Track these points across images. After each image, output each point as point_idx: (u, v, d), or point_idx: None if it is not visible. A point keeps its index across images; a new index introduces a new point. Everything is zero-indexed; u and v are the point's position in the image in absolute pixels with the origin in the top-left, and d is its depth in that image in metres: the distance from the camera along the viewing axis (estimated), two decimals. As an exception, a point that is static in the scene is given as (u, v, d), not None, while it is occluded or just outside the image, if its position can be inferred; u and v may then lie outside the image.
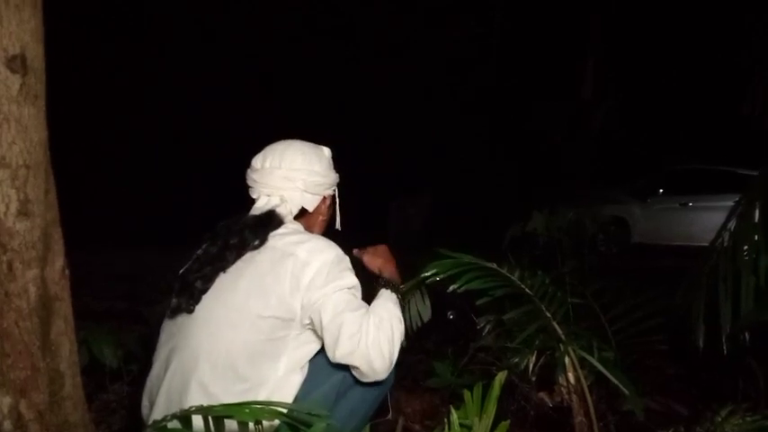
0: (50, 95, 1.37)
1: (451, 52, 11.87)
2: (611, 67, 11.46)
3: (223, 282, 1.41)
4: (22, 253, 1.30)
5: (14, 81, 1.26)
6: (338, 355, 1.38)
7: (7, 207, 1.28)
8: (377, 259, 1.68)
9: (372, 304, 1.52)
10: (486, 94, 12.17)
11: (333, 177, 1.61)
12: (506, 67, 12.34)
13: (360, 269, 1.60)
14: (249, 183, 1.57)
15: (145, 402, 1.46)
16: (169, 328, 1.45)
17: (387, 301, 1.53)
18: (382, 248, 1.72)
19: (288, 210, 1.52)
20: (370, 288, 1.59)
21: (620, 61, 11.54)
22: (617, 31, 11.25)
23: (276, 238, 1.44)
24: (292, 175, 1.51)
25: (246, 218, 1.50)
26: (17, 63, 1.25)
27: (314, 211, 1.58)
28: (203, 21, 11.00)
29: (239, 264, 1.42)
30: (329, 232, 1.64)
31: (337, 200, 1.69)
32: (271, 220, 1.47)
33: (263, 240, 1.43)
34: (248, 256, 1.42)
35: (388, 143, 11.24)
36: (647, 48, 11.51)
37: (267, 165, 1.53)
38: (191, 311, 1.39)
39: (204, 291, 1.40)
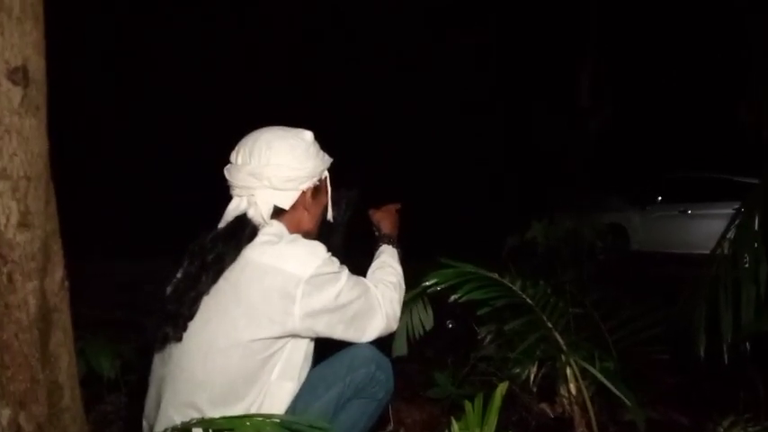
0: (50, 105, 1.37)
1: (449, 58, 11.92)
2: (608, 75, 11.51)
3: (209, 306, 1.33)
4: (22, 264, 1.30)
5: (16, 93, 1.26)
6: (365, 340, 1.48)
7: (8, 219, 1.28)
8: (379, 212, 1.80)
9: (377, 262, 1.63)
10: (484, 100, 12.21)
11: (311, 167, 1.44)
12: (504, 73, 12.39)
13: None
14: (227, 181, 1.45)
15: (145, 424, 1.44)
16: (160, 356, 1.40)
17: (389, 259, 1.64)
18: (388, 207, 1.83)
19: (258, 213, 1.39)
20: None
21: (618, 68, 11.59)
22: (614, 39, 11.30)
23: (256, 251, 1.34)
24: (259, 171, 1.38)
25: (218, 231, 1.40)
26: (19, 75, 1.25)
27: (294, 206, 1.45)
28: (202, 22, 11.02)
29: (221, 284, 1.33)
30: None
31: (329, 188, 1.56)
32: (242, 229, 1.37)
33: (238, 253, 1.34)
34: (229, 274, 1.33)
35: (386, 147, 11.25)
36: (644, 55, 11.56)
37: (239, 161, 1.41)
38: (179, 340, 1.33)
39: (190, 317, 1.32)
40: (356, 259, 1.57)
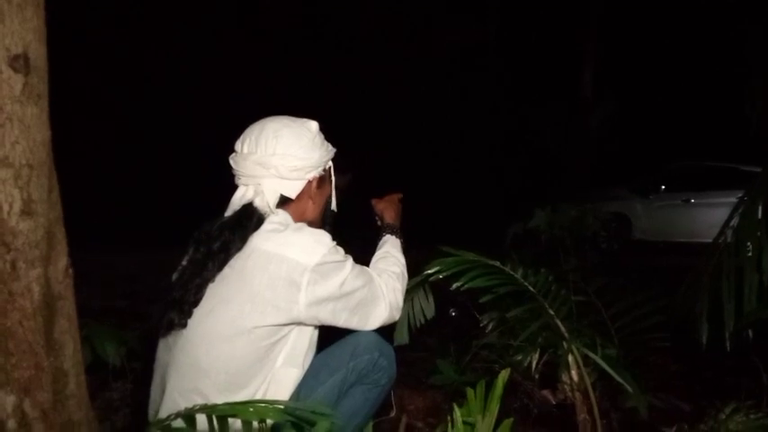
0: (53, 94, 1.37)
1: (451, 51, 11.86)
2: (611, 63, 11.44)
3: (213, 293, 1.34)
4: (25, 252, 1.30)
5: (17, 81, 1.25)
6: (369, 329, 1.49)
7: (11, 206, 1.28)
8: (382, 202, 1.81)
9: (380, 252, 1.64)
10: (487, 92, 12.15)
11: (317, 157, 1.46)
12: (506, 65, 12.33)
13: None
14: (233, 170, 1.47)
15: (151, 412, 1.45)
16: (164, 342, 1.41)
17: (392, 249, 1.65)
18: (391, 196, 1.85)
19: (265, 202, 1.41)
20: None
21: (621, 57, 11.51)
22: (617, 27, 11.22)
23: (261, 239, 1.35)
24: (266, 160, 1.39)
25: (224, 219, 1.41)
26: (20, 62, 1.25)
27: (300, 196, 1.46)
28: (204, 20, 10.98)
29: (227, 271, 1.34)
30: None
31: (333, 178, 1.57)
32: (249, 218, 1.38)
33: (244, 241, 1.35)
34: (234, 262, 1.34)
35: (388, 142, 11.22)
36: (647, 43, 11.49)
37: (245, 150, 1.43)
38: (183, 326, 1.34)
39: (195, 304, 1.34)
40: (356, 247, 1.58)
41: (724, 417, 1.69)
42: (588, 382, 1.77)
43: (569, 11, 11.33)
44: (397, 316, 1.55)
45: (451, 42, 11.77)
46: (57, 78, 1.39)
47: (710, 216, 7.08)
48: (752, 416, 1.66)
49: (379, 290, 1.48)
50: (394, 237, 1.72)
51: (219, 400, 1.28)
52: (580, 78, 11.29)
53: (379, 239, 1.72)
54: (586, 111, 11.13)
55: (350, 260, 1.44)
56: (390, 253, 1.64)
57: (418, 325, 2.06)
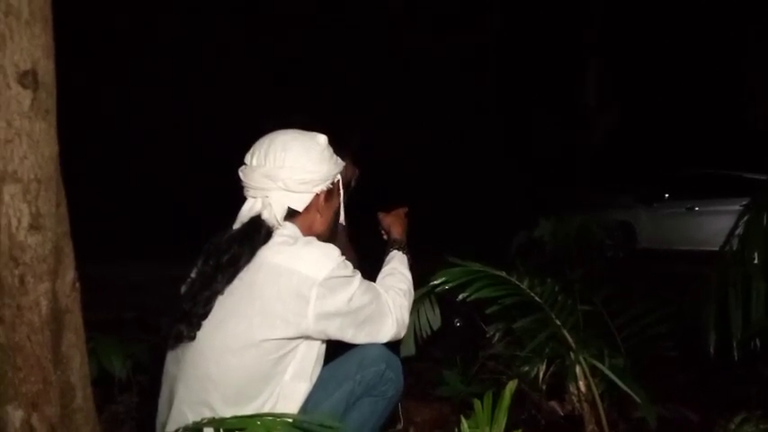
0: (60, 107, 1.38)
1: (454, 57, 11.90)
2: (614, 72, 11.46)
3: (223, 305, 1.34)
4: (33, 267, 1.30)
5: (26, 96, 1.26)
6: (380, 341, 1.49)
7: (19, 221, 1.28)
8: (389, 217, 1.81)
9: (387, 268, 1.64)
10: (490, 96, 12.18)
11: (325, 170, 1.45)
12: (509, 72, 12.36)
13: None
14: (242, 182, 1.46)
15: (158, 425, 1.45)
16: (173, 355, 1.41)
17: (399, 265, 1.65)
18: (397, 210, 1.85)
19: (272, 215, 1.41)
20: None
21: (624, 65, 11.54)
22: (619, 35, 11.25)
23: (272, 252, 1.35)
24: (273, 173, 1.40)
25: (232, 232, 1.41)
26: (28, 79, 1.26)
27: (307, 209, 1.46)
28: (205, 24, 11.05)
29: (236, 284, 1.34)
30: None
31: (341, 191, 1.57)
32: (257, 230, 1.38)
33: (253, 254, 1.35)
34: (244, 274, 1.34)
35: (391, 149, 11.23)
36: (651, 52, 11.51)
37: (254, 162, 1.43)
38: (192, 338, 1.34)
39: (204, 316, 1.33)
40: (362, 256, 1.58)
41: (734, 427, 1.68)
42: (596, 392, 1.76)
43: (572, 15, 11.37)
44: (403, 333, 1.55)
45: (453, 44, 11.78)
46: (64, 91, 1.40)
47: (714, 224, 7.06)
48: (762, 425, 1.65)
49: (386, 306, 1.48)
50: (401, 252, 1.72)
51: (228, 412, 1.29)
52: (584, 84, 11.31)
53: (386, 255, 1.72)
54: (589, 117, 11.14)
55: (358, 275, 1.44)
56: (397, 269, 1.64)
57: (425, 336, 2.05)
